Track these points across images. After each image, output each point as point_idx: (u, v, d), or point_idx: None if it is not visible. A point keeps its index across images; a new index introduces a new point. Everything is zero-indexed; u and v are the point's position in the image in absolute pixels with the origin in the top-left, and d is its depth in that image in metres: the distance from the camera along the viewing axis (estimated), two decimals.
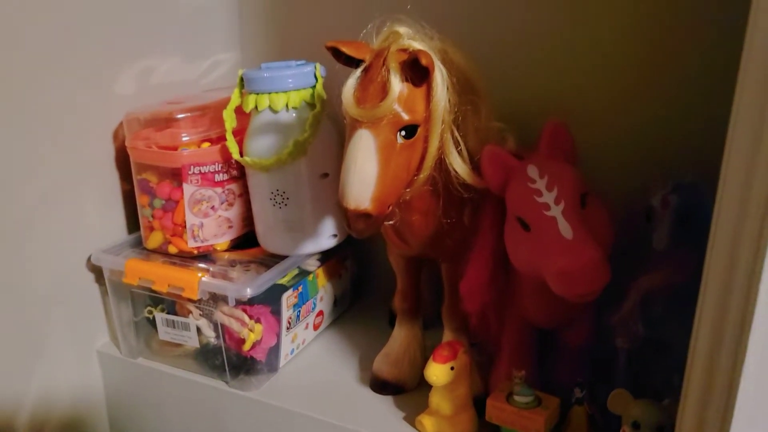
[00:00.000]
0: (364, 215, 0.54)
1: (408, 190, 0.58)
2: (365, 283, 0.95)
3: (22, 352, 0.74)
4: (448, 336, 0.72)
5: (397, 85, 0.52)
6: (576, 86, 0.75)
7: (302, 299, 0.79)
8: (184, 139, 0.76)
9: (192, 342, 0.76)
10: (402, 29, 0.56)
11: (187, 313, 0.75)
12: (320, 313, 0.84)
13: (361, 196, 0.53)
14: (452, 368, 0.63)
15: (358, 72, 0.55)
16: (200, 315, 0.75)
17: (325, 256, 0.84)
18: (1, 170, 0.69)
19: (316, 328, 0.84)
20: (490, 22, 0.78)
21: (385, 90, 0.53)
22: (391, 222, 0.63)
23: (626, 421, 0.59)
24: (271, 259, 0.77)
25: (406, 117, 0.54)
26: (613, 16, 0.72)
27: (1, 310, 0.71)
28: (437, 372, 0.63)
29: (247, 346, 0.73)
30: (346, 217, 0.54)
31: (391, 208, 0.56)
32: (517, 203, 0.57)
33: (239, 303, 0.72)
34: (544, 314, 0.65)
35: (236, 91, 0.74)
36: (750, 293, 0.35)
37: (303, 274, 0.80)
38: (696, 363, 0.43)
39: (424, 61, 0.51)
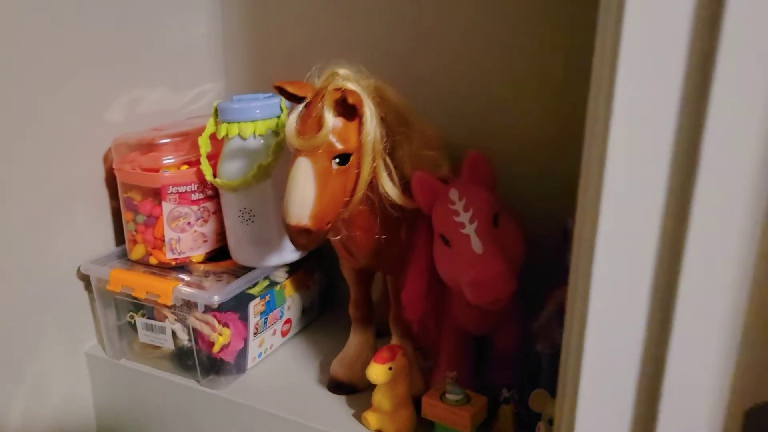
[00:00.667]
0: (305, 231, 0.62)
1: (344, 209, 0.66)
2: (334, 295, 1.03)
3: (16, 353, 0.82)
4: (395, 341, 0.80)
5: (330, 119, 0.61)
6: (505, 121, 0.85)
7: (269, 307, 0.87)
8: (165, 161, 0.85)
9: (168, 344, 0.84)
10: (341, 71, 0.64)
11: (163, 318, 0.84)
12: (288, 321, 0.92)
13: (302, 213, 0.62)
14: (390, 368, 0.71)
15: (300, 107, 0.64)
16: (175, 320, 0.83)
17: (293, 269, 0.92)
18: (2, 187, 0.78)
19: (284, 334, 0.92)
20: (430, 67, 0.89)
21: (320, 123, 0.61)
22: (337, 238, 0.72)
23: (544, 418, 0.66)
24: (241, 271, 0.86)
25: (339, 146, 0.62)
26: (544, 55, 0.81)
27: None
28: (376, 371, 0.71)
29: (216, 349, 0.81)
30: (289, 232, 0.62)
31: (329, 225, 0.64)
32: (439, 222, 0.65)
33: (209, 309, 0.80)
34: (471, 322, 0.72)
35: (211, 120, 0.83)
36: (585, 307, 0.43)
37: (271, 284, 0.88)
38: (562, 363, 0.50)
39: (350, 100, 0.60)
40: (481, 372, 0.78)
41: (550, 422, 0.66)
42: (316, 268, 0.98)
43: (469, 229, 0.62)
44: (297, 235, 0.62)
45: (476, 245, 0.61)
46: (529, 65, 0.83)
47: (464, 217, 0.62)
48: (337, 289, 1.03)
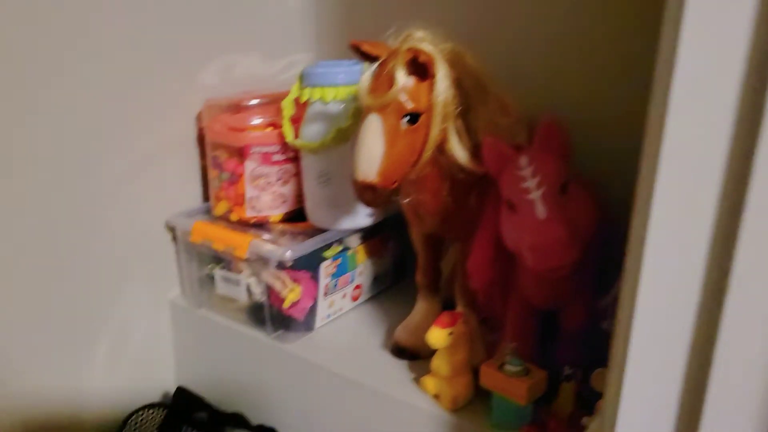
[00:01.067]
0: (371, 187, 0.63)
1: (412, 170, 0.66)
2: (409, 266, 1.04)
3: (106, 296, 0.89)
4: (459, 310, 0.80)
5: (402, 78, 0.62)
6: (588, 88, 0.83)
7: (341, 270, 0.89)
8: (251, 122, 0.88)
9: (242, 297, 0.88)
10: (417, 33, 0.65)
11: (240, 272, 0.87)
12: (359, 286, 0.94)
13: (369, 170, 0.63)
14: (451, 333, 0.71)
15: (375, 67, 0.65)
16: (250, 274, 0.87)
17: (367, 236, 0.94)
18: (101, 144, 0.84)
19: (354, 299, 0.94)
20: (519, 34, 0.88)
21: (391, 82, 0.62)
22: (406, 200, 0.72)
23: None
24: (317, 233, 0.88)
25: (409, 105, 0.63)
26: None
27: (91, 260, 0.86)
28: (436, 335, 0.71)
29: (286, 305, 0.84)
30: (356, 188, 0.64)
31: (396, 183, 0.65)
32: (506, 187, 0.64)
33: (282, 266, 0.83)
34: (537, 294, 0.71)
35: (296, 84, 0.86)
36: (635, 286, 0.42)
37: (345, 249, 0.90)
38: (613, 340, 0.49)
39: (421, 59, 0.61)
40: (548, 349, 0.76)
41: None
42: (391, 238, 0.99)
43: (535, 195, 0.61)
44: (363, 191, 0.63)
45: (540, 211, 0.60)
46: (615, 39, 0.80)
47: (531, 183, 0.61)
48: (413, 261, 1.04)
